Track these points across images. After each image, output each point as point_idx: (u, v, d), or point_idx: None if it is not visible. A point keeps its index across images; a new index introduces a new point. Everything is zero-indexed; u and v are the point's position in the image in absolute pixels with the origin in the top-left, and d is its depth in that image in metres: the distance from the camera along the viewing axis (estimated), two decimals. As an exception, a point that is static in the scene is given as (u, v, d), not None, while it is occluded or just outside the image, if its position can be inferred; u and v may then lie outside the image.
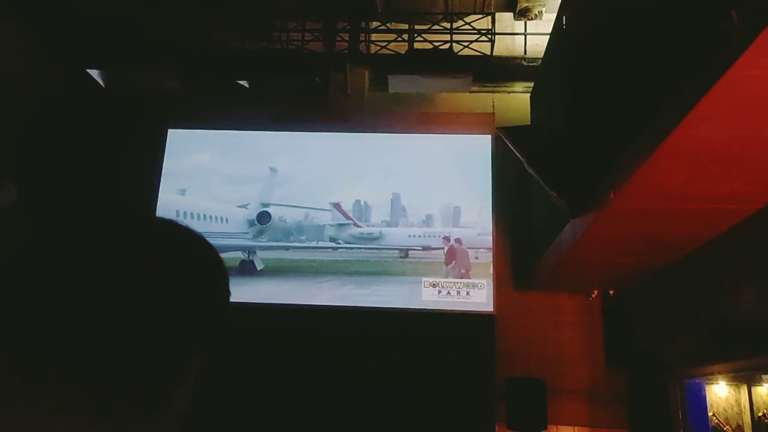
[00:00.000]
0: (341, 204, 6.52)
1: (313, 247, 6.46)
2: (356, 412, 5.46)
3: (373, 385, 5.58)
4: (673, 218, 3.84)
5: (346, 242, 6.44)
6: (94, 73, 6.78)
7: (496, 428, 5.49)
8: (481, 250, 6.14)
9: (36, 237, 0.67)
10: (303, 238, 6.50)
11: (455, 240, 6.25)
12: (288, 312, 6.02)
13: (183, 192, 6.70)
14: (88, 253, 0.66)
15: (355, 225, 6.45)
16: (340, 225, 6.46)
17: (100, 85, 6.87)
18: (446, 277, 6.10)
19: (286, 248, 6.51)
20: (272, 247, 6.51)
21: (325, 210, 6.55)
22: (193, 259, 0.72)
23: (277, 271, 6.40)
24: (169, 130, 6.79)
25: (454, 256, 6.22)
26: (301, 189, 6.65)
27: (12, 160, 5.77)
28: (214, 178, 6.72)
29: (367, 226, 6.45)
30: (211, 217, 6.67)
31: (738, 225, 3.83)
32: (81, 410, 0.60)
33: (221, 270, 0.74)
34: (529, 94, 6.30)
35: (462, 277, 6.08)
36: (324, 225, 6.51)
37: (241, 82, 6.84)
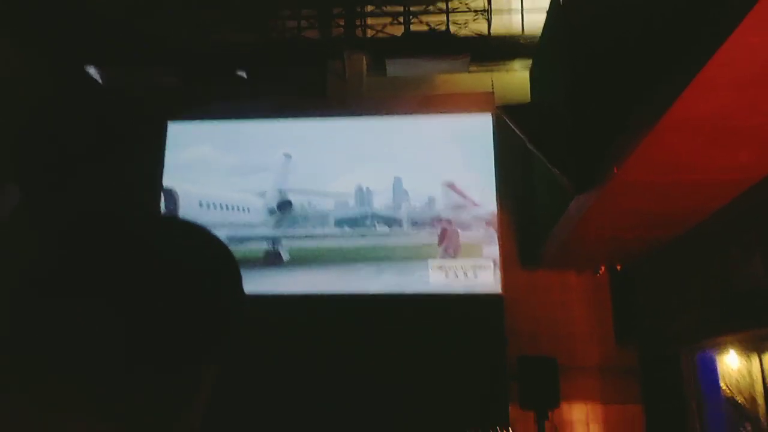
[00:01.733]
0: (456, 184, 6.37)
1: (338, 236, 6.42)
2: (371, 395, 5.50)
3: (386, 370, 5.60)
4: (678, 190, 3.81)
5: (460, 223, 6.27)
6: (91, 70, 6.78)
7: (510, 408, 5.51)
8: (487, 230, 6.12)
9: (38, 239, 0.67)
10: (309, 225, 6.49)
11: (446, 221, 6.23)
12: (294, 302, 6.04)
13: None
14: (90, 254, 0.65)
15: (474, 204, 6.32)
16: (457, 207, 6.33)
17: (99, 82, 6.87)
18: (442, 258, 6.10)
19: (313, 237, 6.47)
20: (298, 236, 6.47)
21: (334, 196, 6.50)
22: (205, 261, 0.71)
23: (302, 260, 6.38)
24: (169, 124, 6.77)
25: (445, 237, 6.21)
26: (303, 177, 6.62)
27: (13, 161, 5.78)
28: (218, 169, 6.70)
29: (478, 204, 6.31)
30: (232, 207, 6.62)
31: (743, 194, 3.79)
32: (81, 411, 0.60)
33: (235, 274, 0.73)
34: (528, 72, 6.25)
35: (450, 258, 6.08)
36: (328, 212, 6.49)
37: (239, 73, 6.83)
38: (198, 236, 0.73)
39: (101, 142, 6.57)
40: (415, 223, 6.36)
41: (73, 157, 6.32)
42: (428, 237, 6.27)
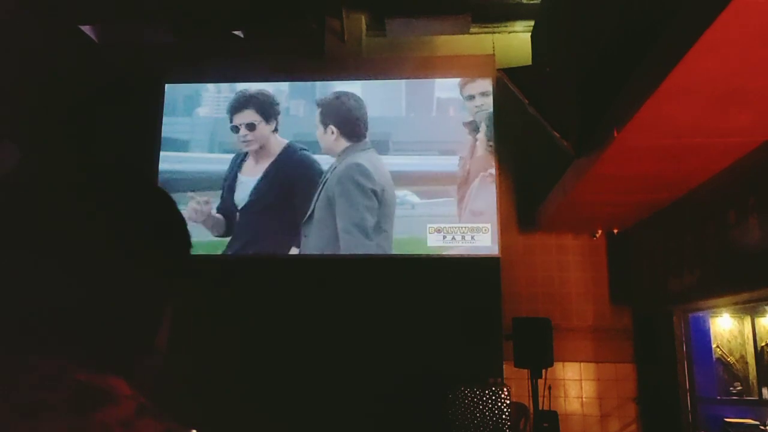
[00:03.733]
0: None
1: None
2: (369, 354, 5.59)
3: (383, 329, 5.69)
4: (678, 154, 3.82)
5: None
6: (86, 29, 6.68)
7: (504, 366, 5.63)
8: (485, 193, 6.14)
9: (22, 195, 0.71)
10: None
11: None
12: (296, 262, 6.10)
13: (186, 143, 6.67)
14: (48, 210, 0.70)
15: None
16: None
17: (94, 40, 6.78)
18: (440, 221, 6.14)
19: None
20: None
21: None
22: (159, 213, 0.78)
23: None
24: (167, 85, 6.72)
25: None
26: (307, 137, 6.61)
27: (10, 120, 5.74)
28: (218, 129, 6.68)
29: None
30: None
31: (741, 158, 3.81)
32: (64, 351, 0.65)
33: (182, 221, 0.80)
34: (529, 34, 6.19)
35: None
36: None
37: (236, 32, 6.73)
38: (151, 198, 0.78)
39: (97, 100, 6.52)
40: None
41: (70, 115, 6.27)
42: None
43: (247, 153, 6.55)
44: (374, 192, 6.19)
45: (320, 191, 6.25)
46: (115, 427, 0.60)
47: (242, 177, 6.49)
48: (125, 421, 0.61)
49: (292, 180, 6.38)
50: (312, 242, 6.17)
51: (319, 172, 6.32)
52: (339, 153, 6.36)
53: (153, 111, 6.58)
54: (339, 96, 6.61)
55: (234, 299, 5.86)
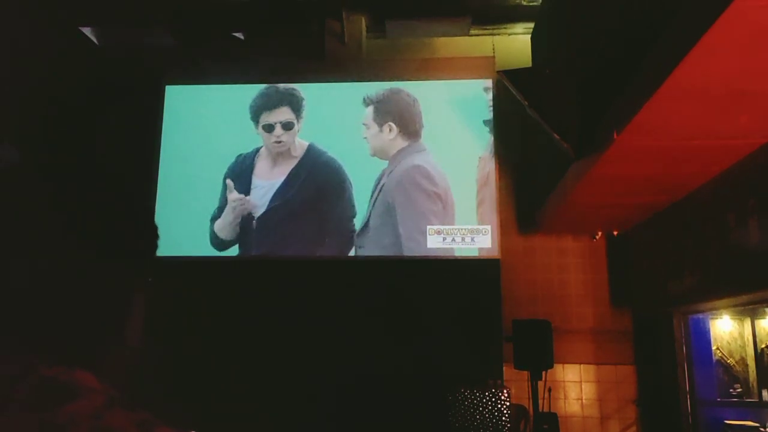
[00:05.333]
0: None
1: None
2: (369, 355, 5.59)
3: (384, 330, 5.69)
4: (678, 156, 3.82)
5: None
6: (87, 30, 6.69)
7: (504, 368, 5.62)
8: (485, 195, 6.13)
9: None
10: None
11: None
12: (293, 264, 6.09)
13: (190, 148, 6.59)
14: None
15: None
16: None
17: (95, 42, 6.79)
18: (440, 223, 6.07)
19: None
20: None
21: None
22: (130, 213, 0.80)
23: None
24: (167, 87, 6.71)
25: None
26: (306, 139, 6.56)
27: (11, 122, 5.74)
28: (221, 131, 6.59)
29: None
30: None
31: (741, 160, 3.82)
32: (28, 348, 0.66)
33: (150, 216, 0.82)
34: (529, 36, 6.19)
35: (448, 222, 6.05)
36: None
37: (235, 34, 6.73)
38: (117, 195, 0.80)
39: (98, 102, 6.52)
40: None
41: (70, 117, 6.27)
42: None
43: (256, 154, 6.32)
44: (438, 195, 5.94)
45: (375, 198, 5.96)
46: (85, 420, 0.61)
47: (257, 180, 6.17)
48: (94, 414, 0.62)
49: (321, 184, 6.08)
50: (369, 252, 5.92)
51: (347, 178, 6.06)
52: (393, 155, 6.06)
53: (153, 112, 6.57)
54: (395, 91, 6.26)
55: (234, 301, 5.85)
